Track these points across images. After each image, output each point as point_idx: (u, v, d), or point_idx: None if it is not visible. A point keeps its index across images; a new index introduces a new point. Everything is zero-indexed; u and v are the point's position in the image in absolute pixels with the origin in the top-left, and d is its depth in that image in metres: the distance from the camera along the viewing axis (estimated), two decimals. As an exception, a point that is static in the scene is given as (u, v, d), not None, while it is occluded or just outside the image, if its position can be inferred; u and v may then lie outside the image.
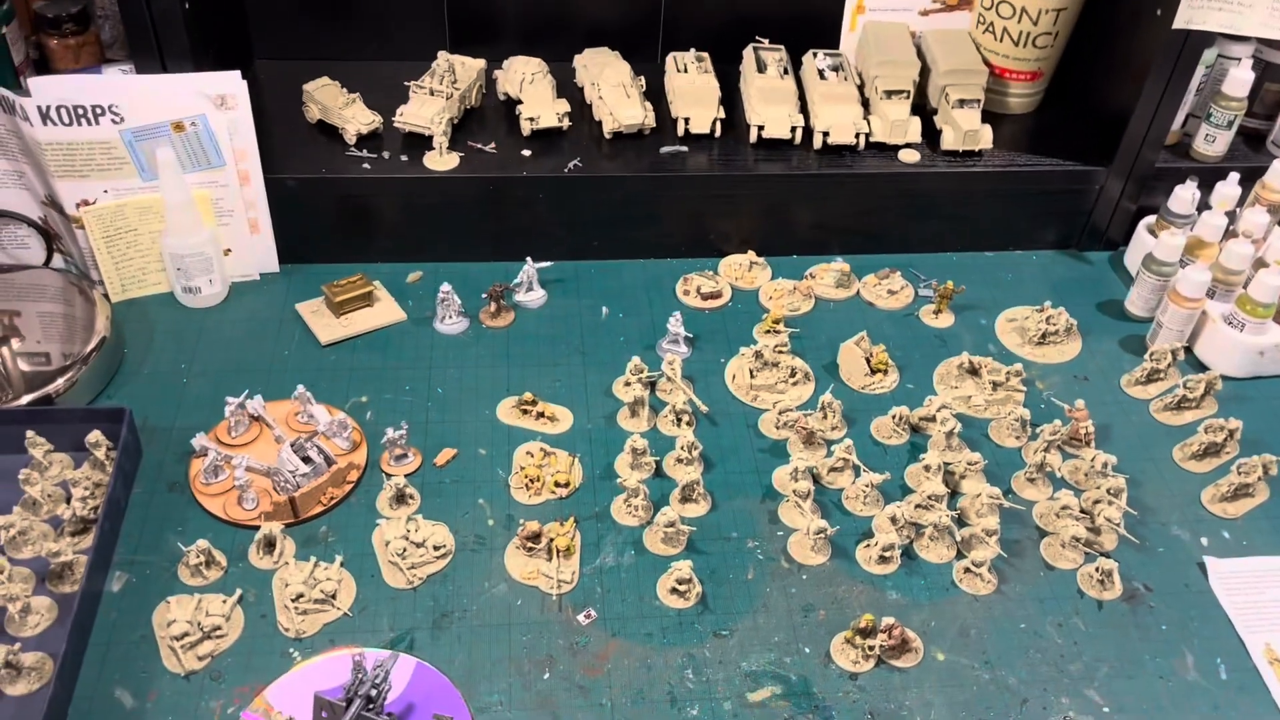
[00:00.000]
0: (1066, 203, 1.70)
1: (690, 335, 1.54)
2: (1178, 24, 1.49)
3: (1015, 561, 1.30)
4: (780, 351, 1.50)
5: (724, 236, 1.69)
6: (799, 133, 1.65)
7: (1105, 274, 1.72)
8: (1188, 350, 1.55)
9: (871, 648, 1.18)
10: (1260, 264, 1.54)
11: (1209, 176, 1.61)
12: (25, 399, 1.36)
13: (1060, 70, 1.76)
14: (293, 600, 1.20)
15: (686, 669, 1.18)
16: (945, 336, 1.59)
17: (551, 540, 1.26)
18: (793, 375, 1.50)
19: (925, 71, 1.70)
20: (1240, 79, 1.60)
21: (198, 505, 1.30)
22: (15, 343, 1.42)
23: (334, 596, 1.21)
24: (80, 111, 1.40)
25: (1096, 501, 1.34)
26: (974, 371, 1.50)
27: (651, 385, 1.47)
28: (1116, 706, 1.17)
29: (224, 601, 1.20)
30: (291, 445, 1.31)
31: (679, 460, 1.37)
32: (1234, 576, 1.29)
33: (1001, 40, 1.70)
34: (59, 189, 1.46)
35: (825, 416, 1.42)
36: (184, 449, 1.34)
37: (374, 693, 1.08)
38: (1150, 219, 1.67)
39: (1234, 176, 1.60)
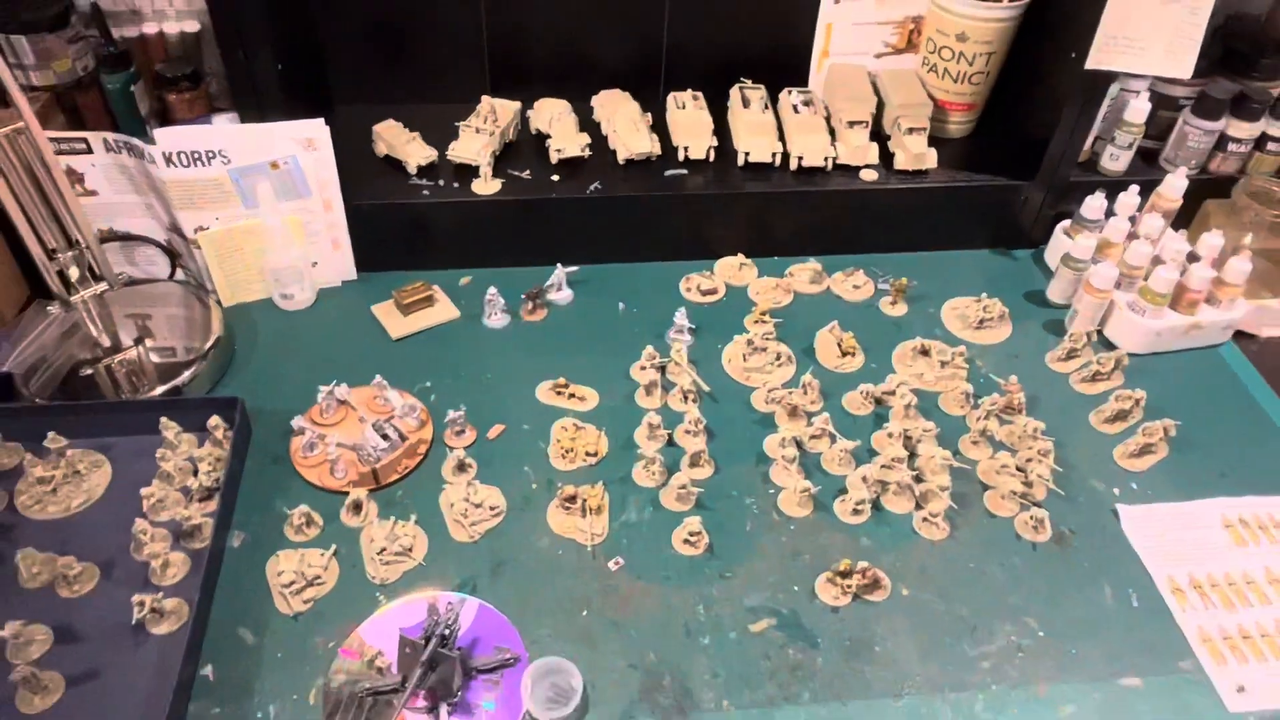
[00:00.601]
0: (997, 210, 1.67)
1: (693, 326, 1.51)
2: (1089, 65, 1.45)
3: (963, 511, 1.28)
4: (767, 339, 1.47)
5: (719, 242, 1.66)
6: (778, 157, 1.62)
7: (1029, 268, 1.68)
8: (1099, 332, 1.52)
9: (849, 586, 1.16)
10: (1157, 261, 1.51)
11: (1114, 188, 1.58)
12: (159, 390, 1.35)
13: (991, 102, 1.72)
14: (377, 553, 1.19)
15: (698, 605, 1.16)
16: (900, 323, 1.56)
17: (585, 501, 1.25)
18: (778, 359, 1.47)
19: (880, 105, 1.66)
20: (1139, 108, 1.57)
21: (298, 475, 1.28)
22: (149, 341, 1.41)
23: (410, 549, 1.20)
24: (196, 155, 1.39)
25: (1029, 460, 1.31)
26: (925, 353, 1.47)
27: (662, 369, 1.44)
28: (1049, 630, 1.16)
29: (322, 555, 1.19)
30: (373, 425, 1.30)
31: (687, 432, 1.34)
32: (1142, 520, 1.28)
33: (943, 78, 1.67)
34: (180, 218, 1.44)
35: (806, 393, 1.40)
36: (285, 428, 1.32)
37: (446, 632, 1.07)
38: (1066, 223, 1.64)
39: (1134, 188, 1.56)
